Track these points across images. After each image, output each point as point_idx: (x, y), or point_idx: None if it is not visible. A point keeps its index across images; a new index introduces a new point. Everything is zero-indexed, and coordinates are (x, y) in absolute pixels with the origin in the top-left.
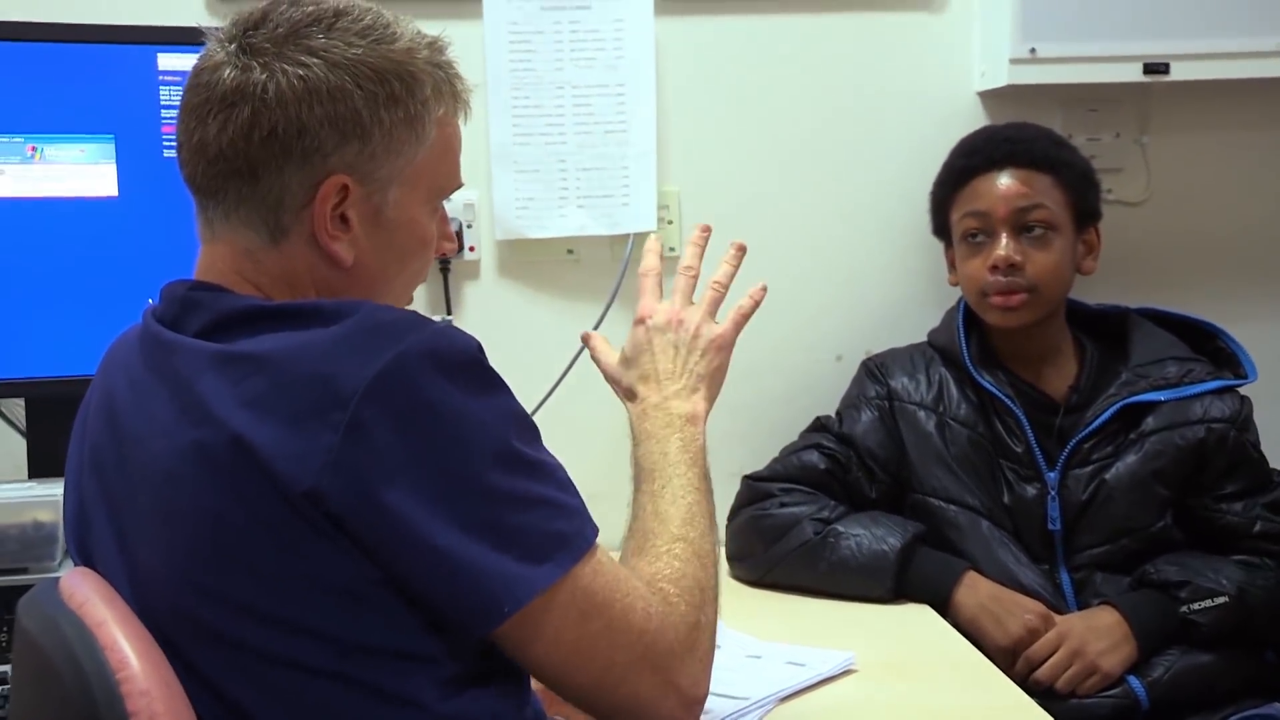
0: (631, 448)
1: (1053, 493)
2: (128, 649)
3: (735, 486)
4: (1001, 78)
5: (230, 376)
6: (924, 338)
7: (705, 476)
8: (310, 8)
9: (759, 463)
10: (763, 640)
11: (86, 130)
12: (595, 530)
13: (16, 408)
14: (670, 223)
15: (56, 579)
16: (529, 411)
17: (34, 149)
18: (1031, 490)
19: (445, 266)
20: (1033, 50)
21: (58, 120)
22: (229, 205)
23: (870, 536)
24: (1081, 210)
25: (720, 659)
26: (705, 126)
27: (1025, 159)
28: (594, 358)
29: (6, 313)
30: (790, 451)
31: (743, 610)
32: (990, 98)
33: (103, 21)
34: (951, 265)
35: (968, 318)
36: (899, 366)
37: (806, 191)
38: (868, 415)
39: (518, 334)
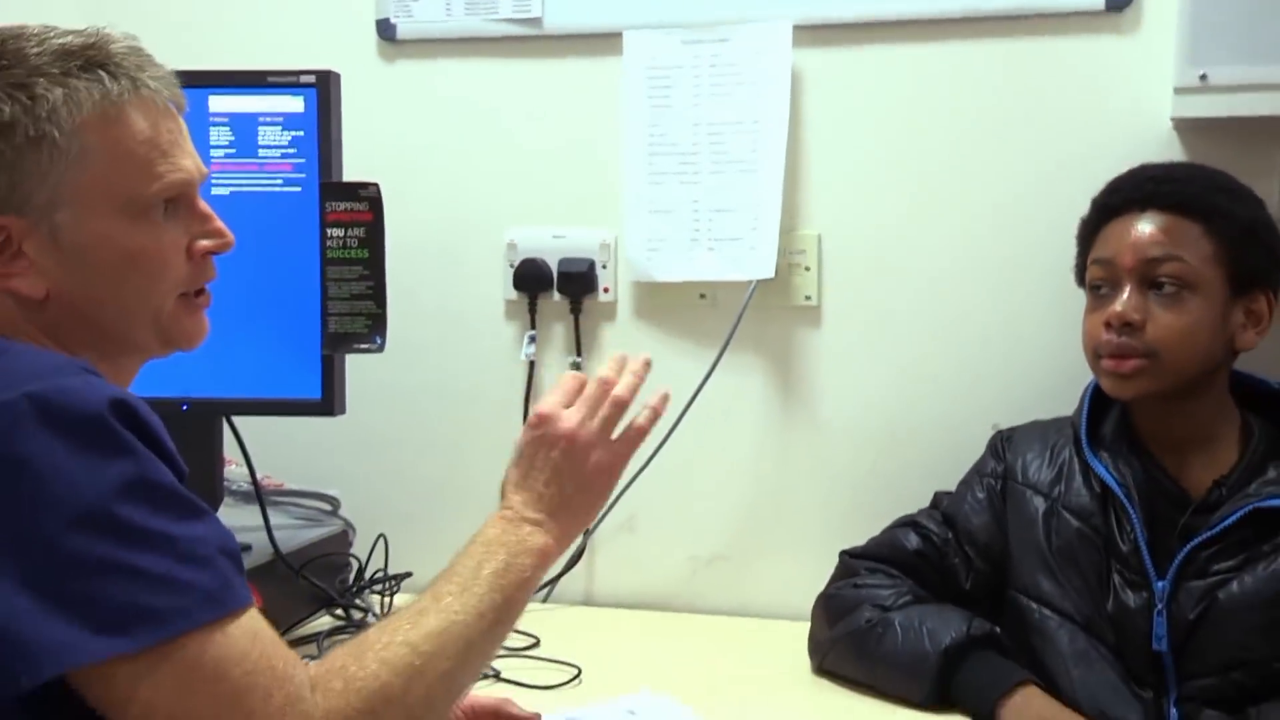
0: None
1: (1159, 606)
2: None
3: None
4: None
5: None
6: None
7: (501, 612)
8: None
9: None
10: None
11: None
12: (220, 606)
13: None
14: (808, 269)
15: None
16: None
17: None
18: (1137, 601)
19: (577, 308)
20: (1203, 76)
21: None
22: None
23: (919, 631)
24: (1240, 272)
25: None
26: (851, 166)
27: (1171, 201)
28: None
29: None
30: (890, 527)
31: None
32: (1188, 132)
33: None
34: None
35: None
36: (1028, 442)
37: (963, 238)
38: (977, 494)
39: (650, 378)
